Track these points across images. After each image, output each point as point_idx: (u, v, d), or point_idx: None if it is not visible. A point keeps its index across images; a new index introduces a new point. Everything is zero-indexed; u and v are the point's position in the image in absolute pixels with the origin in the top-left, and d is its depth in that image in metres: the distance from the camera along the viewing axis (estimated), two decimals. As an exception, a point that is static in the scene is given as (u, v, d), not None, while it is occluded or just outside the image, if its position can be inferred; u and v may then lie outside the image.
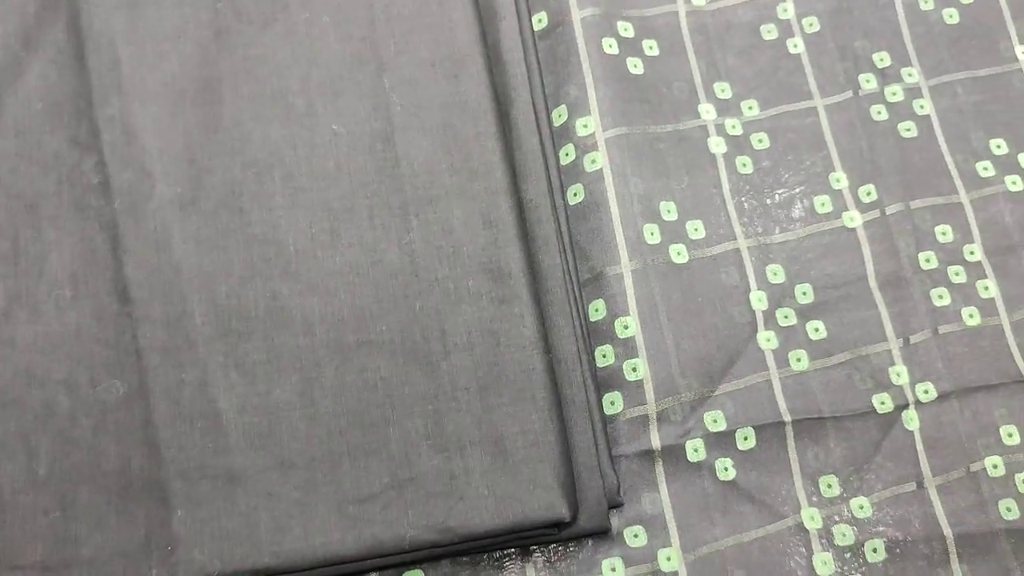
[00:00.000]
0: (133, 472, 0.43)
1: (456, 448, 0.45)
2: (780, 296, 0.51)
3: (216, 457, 0.44)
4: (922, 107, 0.56)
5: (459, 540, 0.43)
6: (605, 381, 0.50)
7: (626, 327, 0.50)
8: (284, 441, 0.44)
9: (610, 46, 0.54)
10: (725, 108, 0.55)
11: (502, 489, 0.44)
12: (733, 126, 0.55)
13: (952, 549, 0.48)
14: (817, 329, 0.51)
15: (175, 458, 0.43)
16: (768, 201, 0.53)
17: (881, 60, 0.57)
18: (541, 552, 0.46)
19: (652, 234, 0.52)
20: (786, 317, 0.51)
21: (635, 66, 0.55)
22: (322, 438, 0.45)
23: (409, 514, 0.43)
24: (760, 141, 0.54)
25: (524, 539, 0.45)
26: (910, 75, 0.56)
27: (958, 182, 0.54)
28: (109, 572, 0.42)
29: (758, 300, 0.51)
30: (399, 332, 0.46)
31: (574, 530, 0.45)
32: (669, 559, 0.46)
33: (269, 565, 0.42)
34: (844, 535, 0.48)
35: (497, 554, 0.46)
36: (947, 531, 0.48)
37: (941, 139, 0.55)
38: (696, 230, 0.52)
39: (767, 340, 0.51)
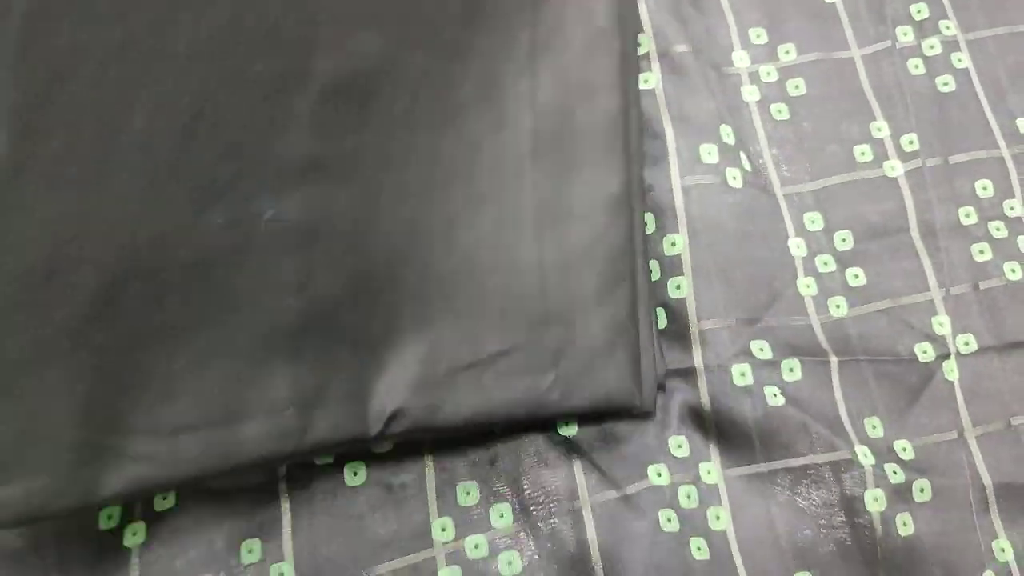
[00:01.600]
0: None
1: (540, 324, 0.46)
2: (819, 243, 0.52)
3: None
4: (960, 60, 0.57)
5: (533, 414, 0.45)
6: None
7: (674, 244, 0.50)
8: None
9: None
10: (760, 55, 0.56)
11: (579, 368, 0.45)
12: (768, 72, 0.56)
13: (992, 498, 0.47)
14: (856, 276, 0.51)
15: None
16: (805, 148, 0.54)
17: (919, 12, 0.58)
18: (586, 455, 0.47)
19: (709, 154, 0.52)
20: (825, 264, 0.52)
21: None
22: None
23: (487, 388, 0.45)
24: (796, 87, 0.55)
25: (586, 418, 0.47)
26: (947, 28, 0.57)
27: (999, 137, 0.55)
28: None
29: (796, 247, 0.52)
30: None
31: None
32: (709, 472, 0.47)
33: None
34: (895, 473, 0.47)
35: (546, 456, 0.47)
36: (987, 480, 0.48)
37: (980, 93, 0.56)
38: (744, 165, 0.53)
39: (807, 286, 0.51)
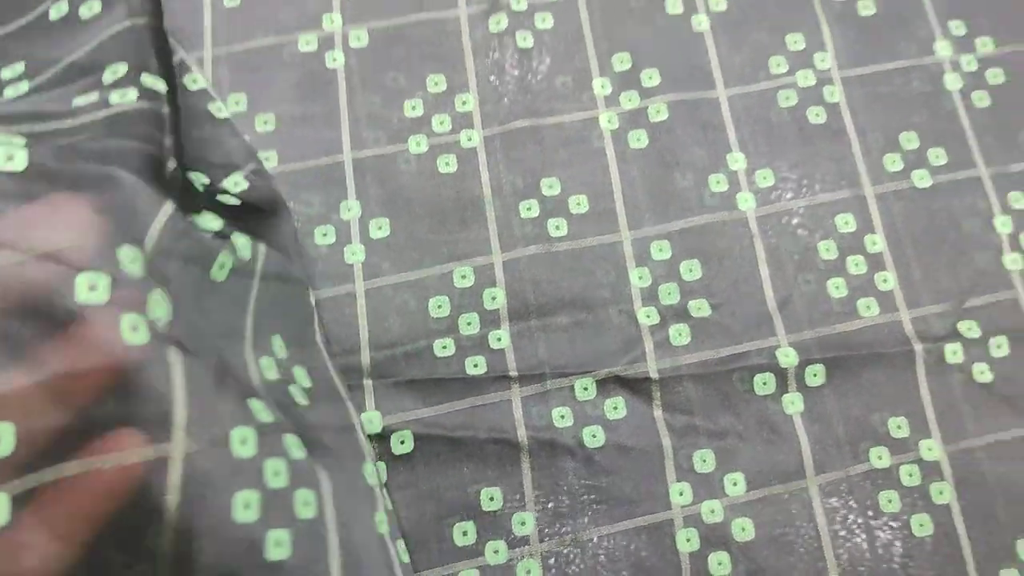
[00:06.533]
0: None
1: None
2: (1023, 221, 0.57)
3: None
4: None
5: None
6: (858, 290, 0.55)
7: (875, 243, 0.55)
8: None
9: None
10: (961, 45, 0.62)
11: None
12: (969, 62, 0.61)
13: None
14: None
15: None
16: (1012, 132, 0.59)
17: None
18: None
19: (894, 163, 0.58)
20: (1032, 240, 0.57)
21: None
22: None
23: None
24: (995, 76, 0.61)
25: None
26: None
27: None
28: None
29: (1002, 224, 0.57)
30: None
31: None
32: (931, 449, 0.51)
33: None
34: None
35: (773, 437, 0.53)
36: None
37: None
38: (937, 157, 0.58)
39: (1012, 262, 0.56)
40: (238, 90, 0.56)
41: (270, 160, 0.54)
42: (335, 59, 0.57)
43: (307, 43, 0.57)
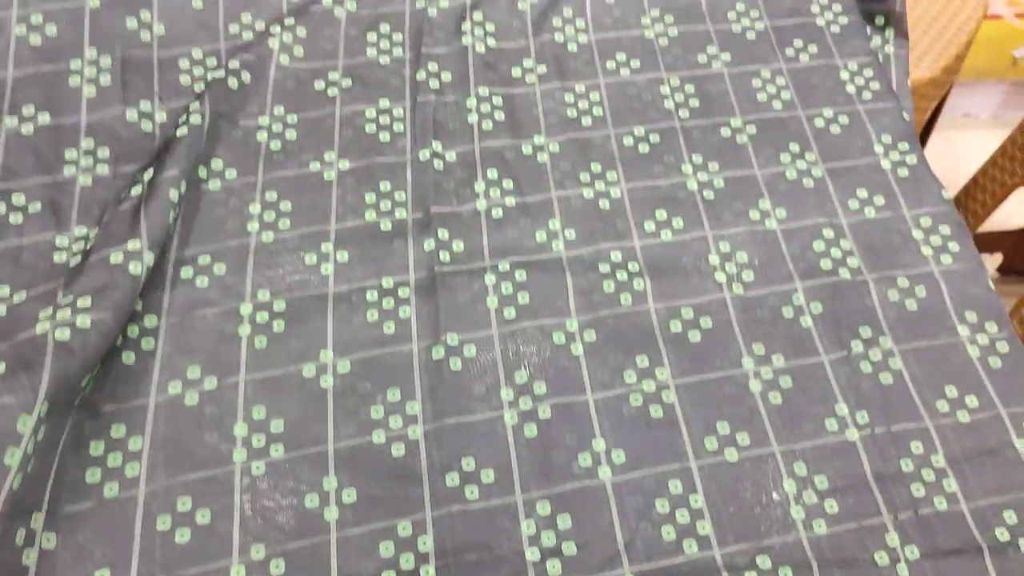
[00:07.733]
0: None
1: None
2: (804, 484, 0.82)
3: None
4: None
5: None
6: (683, 533, 0.79)
7: (696, 501, 0.81)
8: None
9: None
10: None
11: None
12: (767, 372, 0.89)
13: None
14: (832, 506, 0.81)
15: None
16: (796, 421, 0.85)
17: (864, 332, 0.91)
18: None
19: (711, 443, 0.84)
20: (809, 497, 0.81)
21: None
22: None
23: None
24: (786, 381, 0.88)
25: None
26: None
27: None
28: None
29: (789, 486, 0.82)
30: None
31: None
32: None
33: None
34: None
35: None
36: None
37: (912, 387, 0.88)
38: (743, 439, 0.85)
39: (796, 512, 0.81)
40: (259, 403, 0.85)
41: (277, 452, 0.82)
42: (327, 381, 0.86)
43: (308, 371, 0.86)
